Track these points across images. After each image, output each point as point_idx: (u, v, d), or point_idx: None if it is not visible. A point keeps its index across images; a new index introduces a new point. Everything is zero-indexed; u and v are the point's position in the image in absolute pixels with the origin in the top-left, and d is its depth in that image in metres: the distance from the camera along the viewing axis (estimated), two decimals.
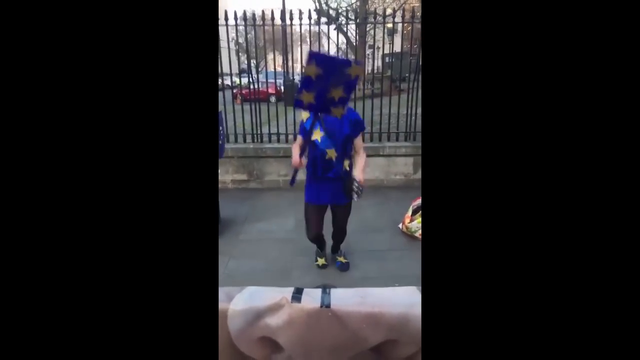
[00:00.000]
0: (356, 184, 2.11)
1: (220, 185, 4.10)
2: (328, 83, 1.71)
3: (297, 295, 0.84)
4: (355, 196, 2.13)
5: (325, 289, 0.85)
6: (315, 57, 1.68)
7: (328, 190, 2.24)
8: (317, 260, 2.68)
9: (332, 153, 2.13)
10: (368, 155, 4.19)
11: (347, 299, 0.82)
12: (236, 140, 4.36)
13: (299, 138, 2.24)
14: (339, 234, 2.55)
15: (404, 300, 0.82)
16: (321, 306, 0.81)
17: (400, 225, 3.20)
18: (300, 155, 2.14)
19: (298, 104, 1.83)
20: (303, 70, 1.72)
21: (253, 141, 4.42)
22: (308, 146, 2.18)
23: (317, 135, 2.12)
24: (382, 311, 0.80)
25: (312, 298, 0.83)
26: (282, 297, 0.82)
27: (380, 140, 4.39)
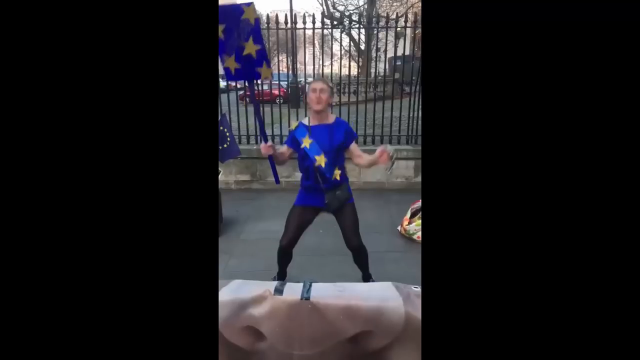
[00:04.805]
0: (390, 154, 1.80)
1: (223, 186, 4.17)
2: (235, 37, 1.58)
3: (280, 288, 0.90)
4: (390, 164, 1.81)
5: (307, 283, 0.91)
6: None
7: (318, 197, 2.10)
8: None
9: (321, 160, 2.04)
10: None
11: (326, 292, 0.88)
12: (240, 142, 4.43)
13: (285, 146, 2.17)
14: (358, 255, 2.23)
15: (379, 294, 0.87)
16: (301, 299, 0.86)
17: (398, 228, 3.24)
18: (279, 163, 2.11)
19: (227, 74, 1.70)
20: None
21: (257, 142, 4.49)
22: (298, 155, 2.11)
23: (307, 142, 2.05)
24: (359, 304, 0.86)
25: (293, 291, 0.89)
26: (265, 290, 0.88)
27: (382, 143, 4.42)
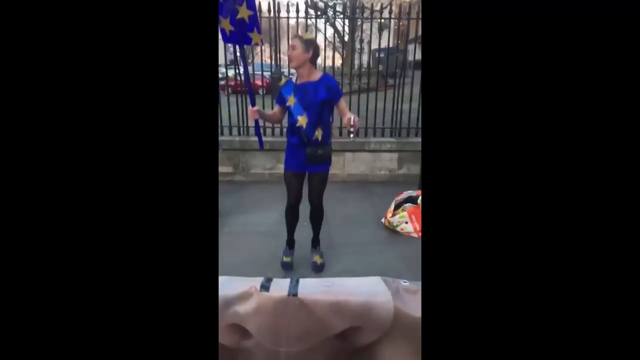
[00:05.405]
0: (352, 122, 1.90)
1: None
2: (232, 2, 1.73)
3: (266, 284, 0.87)
4: (351, 134, 1.93)
5: (294, 278, 0.88)
6: None
7: (304, 157, 2.21)
8: (283, 258, 2.59)
9: (302, 120, 2.11)
10: (354, 150, 4.25)
11: (313, 288, 0.86)
12: (222, 133, 4.34)
13: (277, 107, 2.30)
14: (315, 213, 2.46)
15: (367, 289, 0.86)
16: (288, 295, 0.84)
17: (382, 220, 3.25)
18: (274, 122, 2.36)
19: (223, 35, 1.83)
20: None
21: (239, 134, 4.41)
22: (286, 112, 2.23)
23: (291, 102, 2.13)
24: (347, 299, 0.84)
25: (280, 287, 0.86)
26: (251, 286, 0.86)
27: (365, 135, 4.42)
